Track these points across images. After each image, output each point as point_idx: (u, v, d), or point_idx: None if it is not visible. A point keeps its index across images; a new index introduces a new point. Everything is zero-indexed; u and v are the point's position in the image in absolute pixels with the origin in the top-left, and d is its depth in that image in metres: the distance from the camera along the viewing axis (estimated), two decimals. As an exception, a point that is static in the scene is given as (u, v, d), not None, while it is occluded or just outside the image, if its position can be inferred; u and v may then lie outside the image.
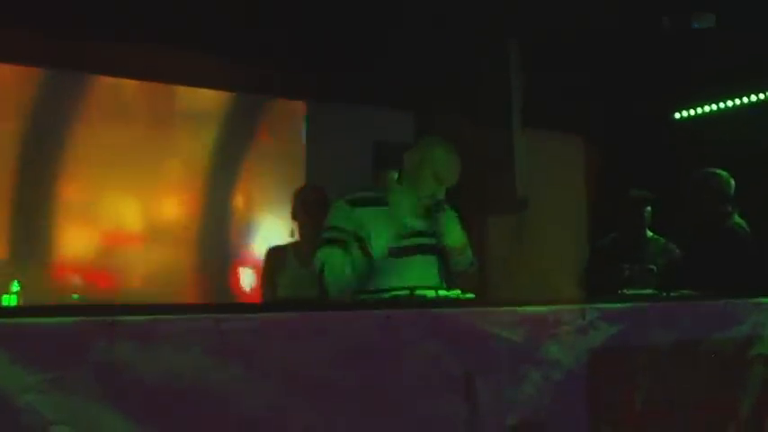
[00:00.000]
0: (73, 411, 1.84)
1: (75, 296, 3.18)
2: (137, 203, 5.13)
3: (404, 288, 2.87)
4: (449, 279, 3.21)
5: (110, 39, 4.54)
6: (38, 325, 1.85)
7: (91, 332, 1.88)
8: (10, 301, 2.94)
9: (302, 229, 4.13)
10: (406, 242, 3.13)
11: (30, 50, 4.60)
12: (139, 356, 1.92)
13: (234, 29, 4.79)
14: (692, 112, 6.52)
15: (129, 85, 5.16)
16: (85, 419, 1.85)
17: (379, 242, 3.10)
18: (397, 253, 3.11)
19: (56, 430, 1.81)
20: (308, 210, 4.10)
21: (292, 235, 4.17)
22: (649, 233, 4.53)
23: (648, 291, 3.41)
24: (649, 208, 4.46)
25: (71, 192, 4.92)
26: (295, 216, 4.18)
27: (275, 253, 4.18)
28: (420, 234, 3.17)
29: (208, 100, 5.50)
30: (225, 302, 4.22)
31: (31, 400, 1.79)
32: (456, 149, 3.21)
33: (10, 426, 1.77)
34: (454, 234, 3.21)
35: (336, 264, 3.06)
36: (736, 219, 4.23)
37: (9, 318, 1.87)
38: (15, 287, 2.99)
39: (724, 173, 4.26)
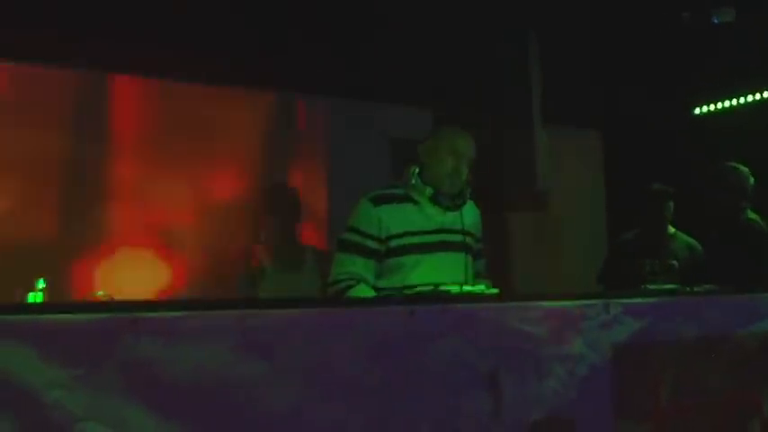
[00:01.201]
0: (100, 407, 1.85)
1: (100, 293, 3.18)
2: (189, 183, 5.01)
3: (428, 284, 2.86)
4: (473, 275, 3.20)
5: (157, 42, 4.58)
6: (64, 321, 1.86)
7: (117, 328, 1.89)
8: (36, 298, 2.94)
9: (271, 229, 4.06)
10: (430, 238, 3.12)
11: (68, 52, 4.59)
12: (165, 353, 1.93)
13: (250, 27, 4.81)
14: (711, 107, 6.47)
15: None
16: (113, 415, 1.86)
17: (403, 238, 3.09)
18: (422, 249, 3.10)
19: (83, 426, 1.82)
20: (276, 210, 4.06)
21: (262, 239, 4.08)
22: (672, 229, 4.50)
23: (670, 286, 3.39)
24: (671, 203, 4.43)
25: (123, 172, 4.81)
26: (264, 215, 4.11)
27: (257, 254, 4.08)
28: (444, 230, 3.16)
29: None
30: (249, 298, 4.18)
31: (59, 396, 1.80)
32: (469, 133, 3.23)
33: (38, 422, 1.78)
34: None
35: (361, 288, 3.05)
36: (750, 214, 4.21)
37: (36, 314, 1.88)
38: (41, 284, 3.00)
39: (742, 167, 4.23)
